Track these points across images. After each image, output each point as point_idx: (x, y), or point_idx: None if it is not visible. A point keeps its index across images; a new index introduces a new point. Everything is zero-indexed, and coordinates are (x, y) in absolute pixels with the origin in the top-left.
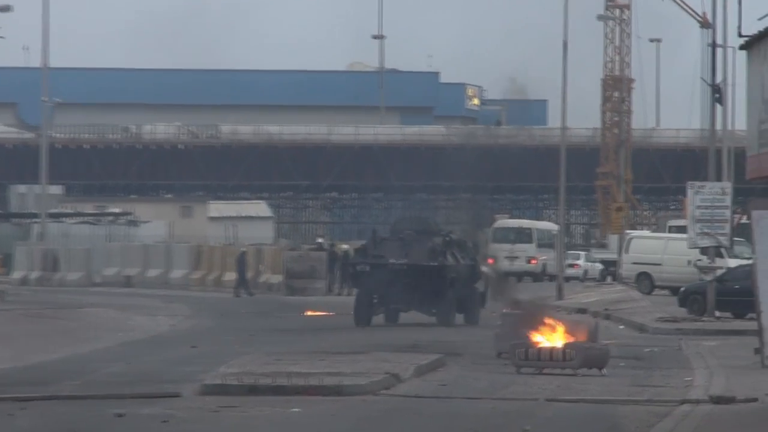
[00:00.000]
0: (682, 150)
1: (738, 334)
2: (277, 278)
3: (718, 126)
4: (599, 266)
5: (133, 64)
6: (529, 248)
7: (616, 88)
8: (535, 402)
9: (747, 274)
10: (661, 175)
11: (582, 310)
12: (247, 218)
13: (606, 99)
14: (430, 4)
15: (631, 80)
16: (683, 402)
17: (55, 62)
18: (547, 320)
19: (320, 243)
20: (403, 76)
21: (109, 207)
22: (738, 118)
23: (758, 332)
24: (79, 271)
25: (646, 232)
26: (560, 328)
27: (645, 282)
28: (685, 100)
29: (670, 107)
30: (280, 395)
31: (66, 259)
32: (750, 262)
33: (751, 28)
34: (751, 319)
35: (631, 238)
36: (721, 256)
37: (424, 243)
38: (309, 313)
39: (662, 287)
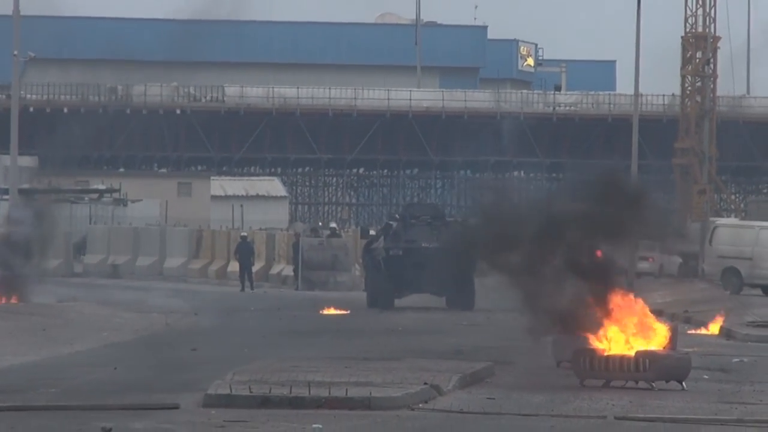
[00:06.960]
0: None
1: None
2: (291, 269)
3: None
4: (677, 260)
5: (121, 13)
6: None
7: (699, 48)
8: (602, 420)
9: None
10: (752, 152)
11: (657, 312)
12: (256, 198)
13: (686, 61)
14: None
15: (717, 38)
16: None
17: (27, 9)
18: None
19: (333, 228)
20: (443, 30)
21: (92, 183)
22: None
23: None
24: (57, 258)
25: (733, 220)
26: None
27: (732, 279)
28: None
29: (764, 70)
30: (297, 408)
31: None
32: None
33: None
34: None
35: (716, 227)
36: None
37: (451, 228)
38: (327, 311)
39: (753, 285)
